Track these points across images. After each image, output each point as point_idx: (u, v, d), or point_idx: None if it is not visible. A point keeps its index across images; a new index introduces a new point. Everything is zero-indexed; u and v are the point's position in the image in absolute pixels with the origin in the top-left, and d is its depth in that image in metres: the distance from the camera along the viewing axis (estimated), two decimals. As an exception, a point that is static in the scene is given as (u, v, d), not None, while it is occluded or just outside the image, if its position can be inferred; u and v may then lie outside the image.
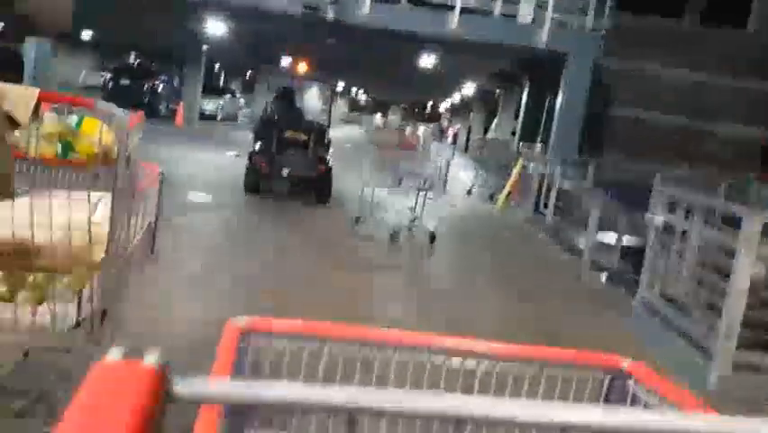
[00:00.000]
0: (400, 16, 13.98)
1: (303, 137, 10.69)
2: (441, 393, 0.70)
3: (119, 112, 2.24)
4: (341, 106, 63.53)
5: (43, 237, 2.18)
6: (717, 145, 17.32)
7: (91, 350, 2.25)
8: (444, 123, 59.95)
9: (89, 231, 2.25)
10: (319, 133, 11.18)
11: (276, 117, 11.64)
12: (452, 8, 13.66)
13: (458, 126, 46.08)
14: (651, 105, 16.25)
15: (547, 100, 18.34)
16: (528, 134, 18.56)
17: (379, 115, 68.46)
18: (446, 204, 11.30)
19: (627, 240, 10.12)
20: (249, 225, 8.51)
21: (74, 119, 2.46)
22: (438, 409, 0.62)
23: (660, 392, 1.31)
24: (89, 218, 2.27)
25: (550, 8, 13.42)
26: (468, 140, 35.95)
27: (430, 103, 66.74)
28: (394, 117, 74.29)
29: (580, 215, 12.92)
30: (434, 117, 68.15)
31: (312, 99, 15.48)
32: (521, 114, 19.27)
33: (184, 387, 0.59)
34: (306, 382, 0.74)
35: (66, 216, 2.23)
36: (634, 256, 11.40)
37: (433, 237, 8.81)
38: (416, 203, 9.22)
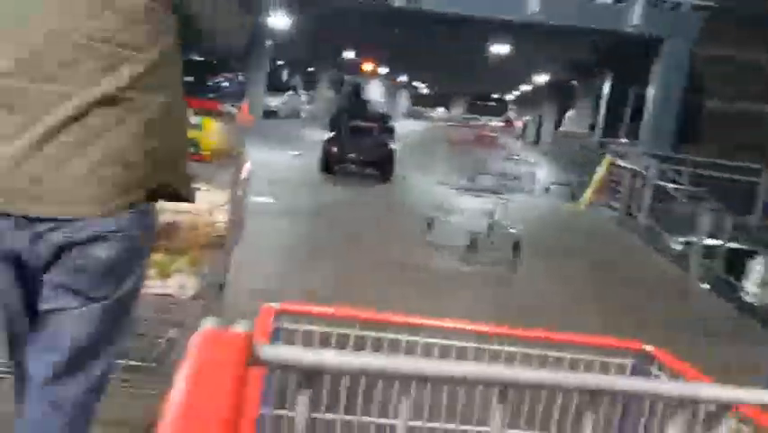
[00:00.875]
0: (474, 1, 12.89)
1: (368, 125, 12.56)
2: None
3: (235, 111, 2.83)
4: (402, 99, 62.64)
5: (178, 220, 2.67)
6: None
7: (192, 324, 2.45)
8: (510, 115, 58.21)
9: (210, 216, 2.73)
10: (382, 122, 13.22)
11: (346, 108, 14.31)
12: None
13: (526, 119, 44.44)
14: (749, 96, 14.65)
15: (632, 91, 16.89)
16: (611, 128, 17.15)
17: (441, 109, 67.17)
18: (528, 205, 10.22)
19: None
20: (310, 237, 7.61)
21: (193, 119, 2.67)
22: (486, 376, 0.75)
23: (683, 376, 1.38)
24: (209, 206, 2.71)
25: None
26: (538, 133, 34.43)
27: (495, 95, 65.02)
28: (457, 110, 72.95)
29: (678, 218, 11.61)
30: (499, 110, 66.46)
31: (375, 92, 16.76)
32: (602, 106, 17.82)
33: (266, 352, 0.72)
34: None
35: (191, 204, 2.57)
36: (733, 260, 10.11)
37: (517, 247, 7.74)
38: (495, 206, 8.16)
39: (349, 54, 28.86)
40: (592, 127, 23.45)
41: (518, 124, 48.03)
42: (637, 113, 15.59)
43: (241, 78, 25.05)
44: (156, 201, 1.83)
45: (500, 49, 18.22)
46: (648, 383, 0.88)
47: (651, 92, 12.79)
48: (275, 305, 1.45)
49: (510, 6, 12.75)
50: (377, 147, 12.18)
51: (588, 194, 12.52)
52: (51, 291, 1.72)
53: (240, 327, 0.69)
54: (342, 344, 1.44)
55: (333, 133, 12.85)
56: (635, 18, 12.04)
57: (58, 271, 1.71)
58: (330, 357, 0.73)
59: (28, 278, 1.74)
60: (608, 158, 12.44)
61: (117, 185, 1.68)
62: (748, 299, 10.03)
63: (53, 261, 1.70)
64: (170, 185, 1.83)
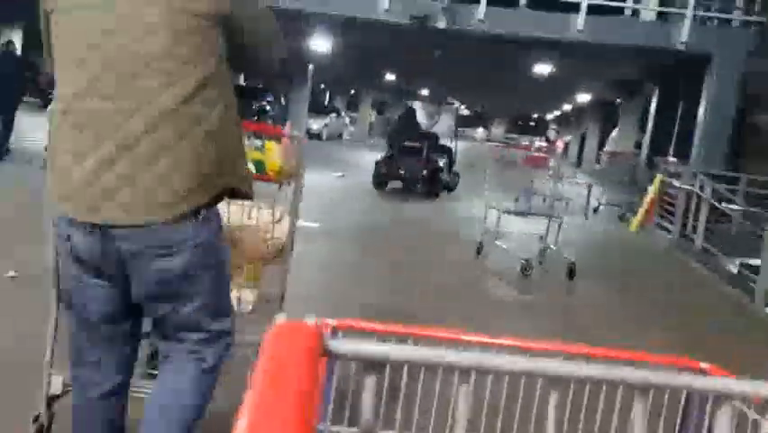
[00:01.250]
0: (518, 21, 12.79)
1: (417, 145, 13.35)
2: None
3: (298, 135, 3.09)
4: (444, 120, 62.55)
5: (240, 235, 2.84)
6: None
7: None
8: (551, 134, 57.61)
9: (272, 231, 2.89)
10: (431, 142, 13.97)
11: (398, 130, 14.74)
12: (576, 8, 12.30)
13: (568, 138, 43.89)
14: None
15: (680, 109, 16.50)
16: (658, 147, 16.75)
17: (481, 129, 66.83)
18: (578, 228, 10.00)
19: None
20: (354, 266, 7.51)
21: (256, 142, 2.93)
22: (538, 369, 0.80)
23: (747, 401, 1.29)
24: (272, 222, 2.90)
25: (691, 1, 11.80)
26: (581, 153, 33.93)
27: (535, 114, 64.51)
28: (497, 130, 72.50)
29: (735, 239, 11.20)
30: (540, 129, 65.83)
31: (421, 114, 17.52)
32: (649, 124, 17.44)
33: (335, 345, 0.77)
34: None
35: (254, 219, 2.89)
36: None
37: (572, 272, 7.54)
38: (547, 229, 7.99)
39: (391, 77, 28.96)
40: (638, 146, 22.99)
41: (559, 143, 47.49)
42: (686, 131, 15.22)
43: (283, 101, 25.34)
44: (220, 201, 1.96)
45: (543, 69, 18.01)
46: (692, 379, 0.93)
47: (701, 110, 12.42)
48: (330, 321, 1.46)
49: (554, 26, 12.58)
50: (422, 165, 13.17)
51: (639, 215, 12.20)
52: (147, 304, 1.94)
53: (310, 321, 0.72)
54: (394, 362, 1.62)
55: (386, 151, 14.37)
56: (682, 35, 11.74)
57: (139, 283, 1.86)
58: (393, 348, 0.80)
59: (116, 285, 1.89)
60: (659, 177, 12.11)
61: (185, 192, 1.78)
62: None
63: (130, 270, 1.83)
64: (231, 186, 1.94)
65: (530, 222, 8.25)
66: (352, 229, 9.13)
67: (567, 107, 38.11)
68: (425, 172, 13.15)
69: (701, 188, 10.65)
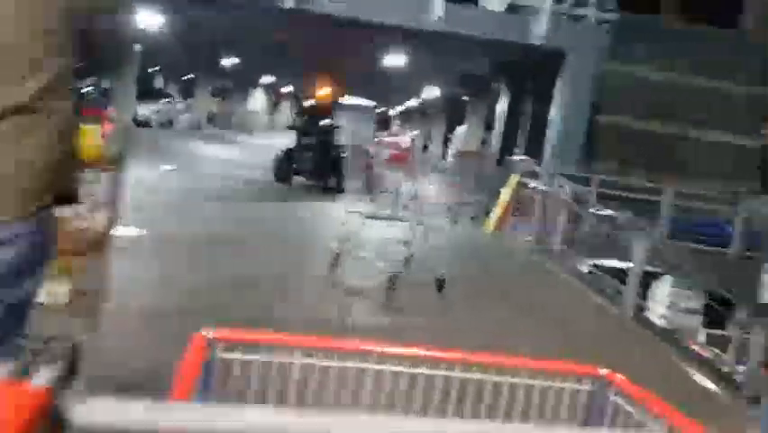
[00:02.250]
0: (372, 4, 11.76)
1: (317, 140, 13.75)
2: (413, 417, 0.76)
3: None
4: (285, 110, 60.82)
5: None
6: (710, 155, 15.71)
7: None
8: (395, 129, 57.93)
9: (88, 222, 2.86)
10: (325, 138, 14.27)
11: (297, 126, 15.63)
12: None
13: (413, 134, 44.14)
14: (640, 112, 14.46)
15: (530, 107, 16.40)
16: (509, 146, 16.57)
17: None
18: (437, 230, 9.16)
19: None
20: (183, 287, 6.06)
21: None
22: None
23: (640, 402, 1.39)
24: (86, 211, 2.82)
25: (549, -3, 11.40)
26: (425, 149, 33.96)
27: (380, 109, 64.61)
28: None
29: (593, 240, 10.97)
30: (382, 124, 66.06)
31: (255, 104, 17.78)
32: (499, 123, 17.21)
33: (82, 413, 0.53)
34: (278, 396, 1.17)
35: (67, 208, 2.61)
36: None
37: (441, 284, 6.61)
38: (413, 235, 7.02)
39: (231, 60, 27.03)
40: (484, 143, 23.02)
41: (405, 139, 47.62)
42: (537, 130, 15.06)
43: (107, 84, 22.62)
44: (58, 204, 1.94)
45: (395, 59, 17.19)
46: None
47: (554, 109, 12.12)
48: (208, 332, 1.36)
49: (410, 12, 11.69)
50: (315, 162, 13.66)
51: (495, 216, 11.65)
52: None
53: (41, 379, 0.51)
54: (284, 373, 1.39)
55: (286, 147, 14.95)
56: (540, 29, 11.31)
57: None
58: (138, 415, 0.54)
59: None
60: (514, 177, 11.64)
61: (28, 191, 1.80)
62: (657, 321, 9.48)
63: None
64: (69, 188, 1.97)
65: (394, 226, 7.25)
66: (187, 240, 7.57)
67: (413, 103, 38.04)
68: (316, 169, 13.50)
69: (561, 189, 10.25)
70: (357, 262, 6.69)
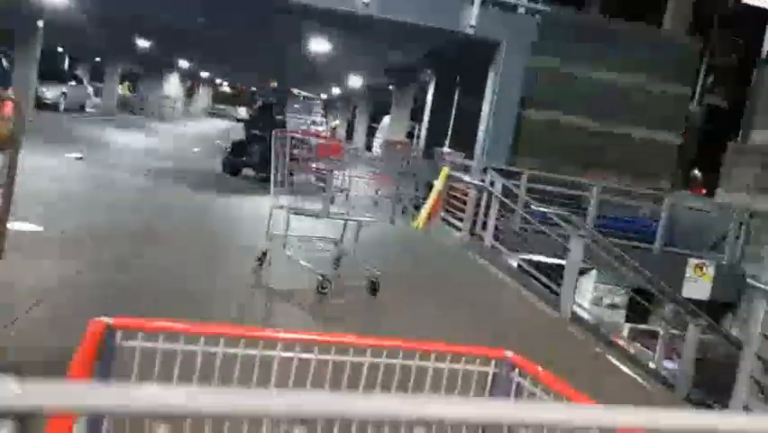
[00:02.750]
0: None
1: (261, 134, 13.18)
2: (322, 394, 0.72)
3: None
4: (202, 97, 58.85)
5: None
6: (632, 151, 15.94)
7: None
8: (318, 118, 57.03)
9: None
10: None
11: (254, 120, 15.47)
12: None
13: (336, 123, 43.42)
14: (566, 107, 14.48)
15: (456, 98, 16.16)
16: (435, 138, 16.30)
17: (243, 108, 64.18)
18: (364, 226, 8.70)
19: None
20: (85, 294, 5.38)
21: None
22: (319, 411, 0.60)
23: (542, 382, 1.45)
24: None
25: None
26: (349, 138, 33.45)
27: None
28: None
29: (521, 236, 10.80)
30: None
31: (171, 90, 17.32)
32: (426, 114, 16.89)
33: None
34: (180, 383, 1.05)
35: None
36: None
37: (374, 287, 6.17)
38: (343, 232, 6.58)
39: (145, 44, 25.63)
40: (410, 135, 22.74)
41: (326, 128, 47.08)
42: (464, 122, 14.84)
43: (5, 62, 20.94)
44: None
45: (320, 45, 16.57)
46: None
47: (486, 101, 11.85)
48: (106, 319, 1.31)
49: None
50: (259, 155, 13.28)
51: (425, 211, 11.29)
52: None
53: None
54: (189, 362, 1.36)
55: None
56: (472, 18, 10.99)
57: None
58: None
59: None
60: (445, 170, 11.31)
61: None
62: (583, 314, 9.45)
63: None
64: None
65: (323, 222, 6.74)
66: (99, 236, 6.80)
67: (336, 91, 37.41)
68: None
69: (491, 183, 10.01)
70: (284, 262, 6.16)
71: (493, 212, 9.71)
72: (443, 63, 15.61)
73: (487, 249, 9.71)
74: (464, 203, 10.77)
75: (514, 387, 1.51)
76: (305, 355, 1.47)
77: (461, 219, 10.76)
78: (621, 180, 14.43)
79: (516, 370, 1.52)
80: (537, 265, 9.98)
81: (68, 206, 7.95)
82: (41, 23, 19.71)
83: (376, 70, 21.45)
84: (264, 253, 6.49)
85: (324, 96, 46.96)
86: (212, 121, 45.63)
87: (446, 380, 1.51)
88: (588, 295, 11.71)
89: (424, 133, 16.88)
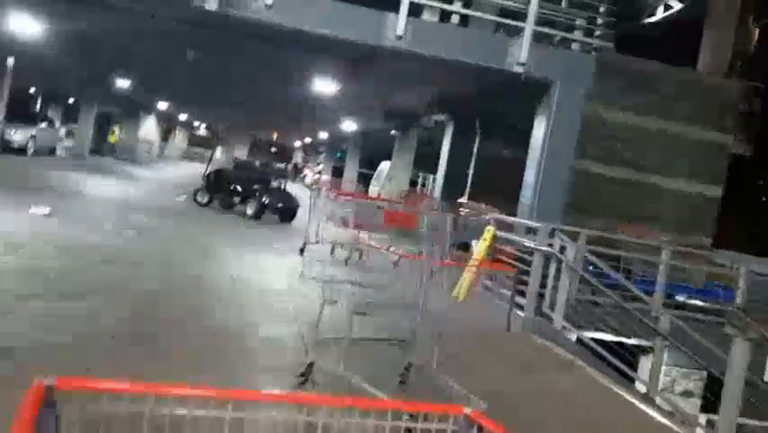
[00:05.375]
0: (317, 14, 9.42)
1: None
2: None
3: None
4: (178, 140, 56.86)
5: None
6: (673, 204, 14.37)
7: None
8: (298, 161, 55.27)
9: None
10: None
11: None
12: (395, 6, 9.27)
13: (321, 167, 41.65)
14: (607, 157, 12.84)
15: (477, 145, 14.50)
16: (451, 189, 14.56)
17: (218, 150, 62.27)
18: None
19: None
20: None
21: None
22: None
23: None
24: None
25: (531, 15, 9.44)
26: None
27: (280, 141, 61.74)
28: (238, 153, 68.40)
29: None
30: (283, 156, 63.32)
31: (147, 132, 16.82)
32: (443, 161, 15.13)
33: None
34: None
35: None
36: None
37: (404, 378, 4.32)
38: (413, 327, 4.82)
39: (124, 83, 23.75)
40: (413, 183, 21.03)
41: (307, 171, 45.40)
42: (489, 172, 13.15)
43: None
44: None
45: (326, 86, 14.83)
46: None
47: (534, 149, 10.13)
48: (47, 380, 1.25)
49: (366, 26, 9.45)
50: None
51: (466, 280, 9.40)
52: None
53: None
54: (133, 424, 1.29)
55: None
56: (521, 55, 9.34)
57: None
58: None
59: None
60: (491, 229, 9.50)
61: None
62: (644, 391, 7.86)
63: None
64: None
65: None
66: (57, 342, 4.80)
67: (323, 135, 35.75)
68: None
69: (561, 249, 8.22)
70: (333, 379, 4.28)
71: (564, 285, 7.89)
72: (464, 105, 13.96)
73: (558, 332, 7.89)
74: (513, 269, 8.97)
75: None
76: (257, 417, 1.47)
77: (506, 288, 8.93)
78: (662, 236, 12.81)
79: (475, 428, 1.51)
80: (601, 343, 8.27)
81: (25, 286, 5.93)
82: (11, 61, 17.79)
83: (376, 113, 19.79)
84: (310, 366, 4.64)
85: (308, 139, 45.30)
86: (190, 164, 43.62)
87: None
88: (654, 380, 9.91)
89: (440, 182, 15.10)
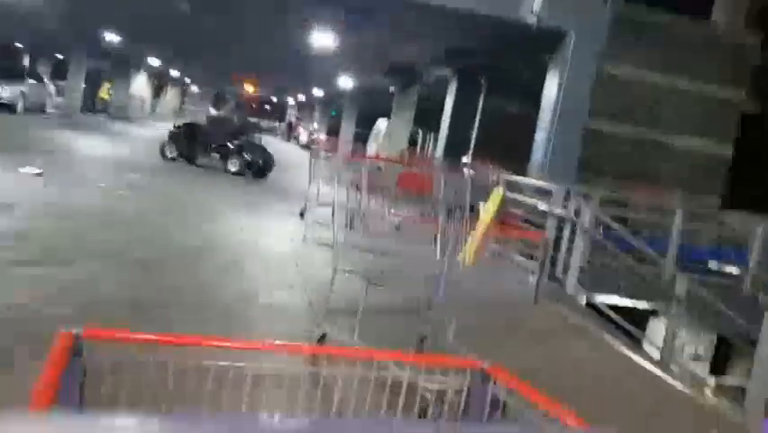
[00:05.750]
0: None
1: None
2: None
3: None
4: (172, 97, 55.87)
5: None
6: (680, 163, 13.98)
7: None
8: (292, 119, 54.44)
9: None
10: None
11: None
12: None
13: (315, 125, 40.95)
14: (617, 115, 12.37)
15: (481, 101, 14.03)
16: (455, 148, 14.13)
17: (211, 109, 61.32)
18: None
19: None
20: None
21: None
22: None
23: (516, 392, 1.47)
24: None
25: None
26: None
27: (274, 99, 60.95)
28: (227, 111, 67.42)
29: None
30: (276, 114, 62.55)
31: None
32: (446, 119, 14.63)
33: None
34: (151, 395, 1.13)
35: None
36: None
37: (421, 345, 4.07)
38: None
39: (111, 38, 22.98)
40: (413, 142, 20.57)
41: (301, 130, 44.56)
42: (497, 130, 12.71)
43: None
44: None
45: (323, 39, 14.25)
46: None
47: (546, 107, 9.70)
48: (75, 330, 1.26)
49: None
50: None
51: (473, 243, 9.04)
52: None
53: None
54: (158, 373, 1.30)
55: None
56: (534, 3, 8.83)
57: None
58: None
59: None
60: (499, 191, 9.10)
61: None
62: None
63: None
64: None
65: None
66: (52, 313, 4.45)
67: (318, 93, 35.02)
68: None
69: (576, 212, 7.87)
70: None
71: (579, 248, 7.57)
72: (470, 60, 13.43)
73: (570, 296, 7.60)
74: (526, 233, 8.65)
75: (489, 398, 1.50)
76: (277, 367, 1.49)
77: (522, 253, 8.62)
78: (672, 197, 12.48)
79: (492, 381, 1.51)
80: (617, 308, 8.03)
81: (17, 267, 5.56)
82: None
83: (375, 69, 19.19)
84: (322, 337, 4.34)
85: (302, 97, 44.50)
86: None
87: (422, 389, 1.61)
88: (669, 345, 9.68)
89: (442, 141, 14.65)
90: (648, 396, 5.04)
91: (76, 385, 1.24)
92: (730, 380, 10.25)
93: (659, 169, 13.50)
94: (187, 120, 17.46)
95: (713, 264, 9.89)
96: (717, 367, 10.70)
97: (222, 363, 1.38)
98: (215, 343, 1.48)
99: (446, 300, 4.29)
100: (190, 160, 15.56)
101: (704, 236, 12.02)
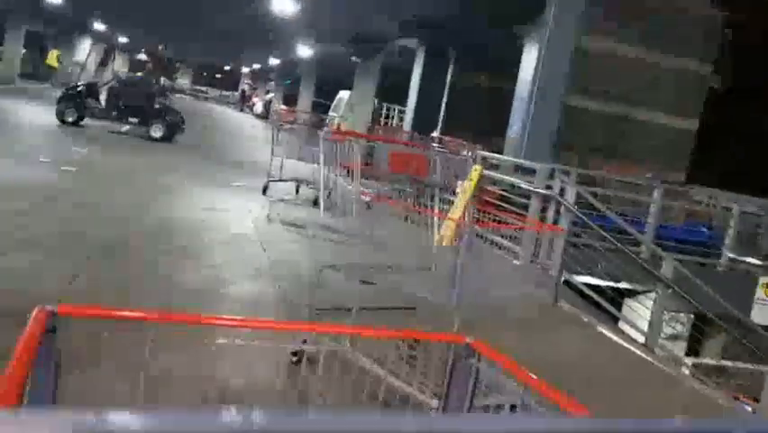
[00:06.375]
0: None
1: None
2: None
3: None
4: (118, 65, 53.72)
5: None
6: (649, 138, 13.78)
7: None
8: (246, 88, 52.97)
9: None
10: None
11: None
12: None
13: (270, 95, 39.81)
14: (590, 90, 12.00)
15: (449, 75, 13.51)
16: (423, 122, 13.61)
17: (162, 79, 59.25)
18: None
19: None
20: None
21: None
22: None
23: (499, 366, 1.48)
24: None
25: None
26: (267, 109, 30.21)
27: (228, 67, 59.23)
28: (182, 81, 65.31)
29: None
30: (229, 83, 60.95)
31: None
32: (414, 93, 14.04)
33: None
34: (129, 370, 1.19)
35: None
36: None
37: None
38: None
39: (55, 1, 21.59)
40: (377, 115, 19.95)
41: (256, 100, 43.40)
42: (466, 103, 12.24)
43: None
44: None
45: (283, 3, 13.45)
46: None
47: (523, 79, 9.23)
48: (50, 307, 1.30)
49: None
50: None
51: (451, 223, 8.60)
52: None
53: None
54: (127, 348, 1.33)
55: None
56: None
57: None
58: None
59: None
60: (478, 168, 8.66)
61: None
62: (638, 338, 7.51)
63: None
64: None
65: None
66: None
67: (274, 61, 33.94)
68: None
69: (561, 191, 7.47)
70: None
71: (564, 231, 7.19)
72: (438, 30, 12.85)
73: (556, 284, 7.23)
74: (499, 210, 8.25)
75: (473, 372, 1.50)
76: (261, 343, 1.63)
77: (501, 235, 8.21)
78: (640, 173, 12.27)
79: (476, 355, 1.51)
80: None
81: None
82: None
83: (337, 37, 18.44)
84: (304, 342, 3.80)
85: (256, 66, 43.22)
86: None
87: (408, 363, 1.66)
88: (644, 324, 9.48)
89: (409, 115, 14.10)
90: (635, 379, 4.73)
91: (51, 362, 1.24)
92: (707, 360, 10.15)
93: (628, 144, 13.28)
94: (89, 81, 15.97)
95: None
96: (691, 346, 10.62)
97: (198, 338, 1.42)
98: (186, 318, 1.58)
99: (455, 301, 3.80)
100: (89, 114, 14.58)
101: (673, 213, 11.87)
